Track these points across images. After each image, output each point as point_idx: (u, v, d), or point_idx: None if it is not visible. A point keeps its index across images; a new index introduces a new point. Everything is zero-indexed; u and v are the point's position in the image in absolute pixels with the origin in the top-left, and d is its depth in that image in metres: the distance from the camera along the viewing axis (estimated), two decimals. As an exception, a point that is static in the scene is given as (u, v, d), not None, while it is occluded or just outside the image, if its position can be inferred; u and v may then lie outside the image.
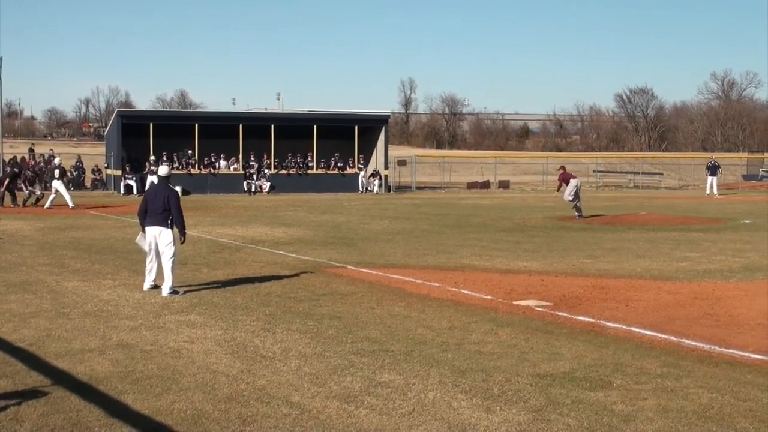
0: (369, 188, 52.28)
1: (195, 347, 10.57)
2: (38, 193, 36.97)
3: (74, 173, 50.31)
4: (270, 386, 8.79)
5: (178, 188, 15.14)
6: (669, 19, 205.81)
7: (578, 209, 30.73)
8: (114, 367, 9.57)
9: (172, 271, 14.41)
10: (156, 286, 14.64)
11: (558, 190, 32.38)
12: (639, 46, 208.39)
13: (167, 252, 14.43)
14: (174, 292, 14.32)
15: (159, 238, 14.48)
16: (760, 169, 74.61)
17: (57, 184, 35.76)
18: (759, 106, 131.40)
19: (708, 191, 51.09)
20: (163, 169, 15.33)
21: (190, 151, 49.87)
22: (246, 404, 8.16)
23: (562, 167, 34.19)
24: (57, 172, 36.09)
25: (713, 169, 52.00)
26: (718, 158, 58.71)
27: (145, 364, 9.72)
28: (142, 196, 15.25)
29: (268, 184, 50.16)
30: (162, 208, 14.42)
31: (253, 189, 49.55)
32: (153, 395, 8.45)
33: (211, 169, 50.15)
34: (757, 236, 24.43)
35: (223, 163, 51.02)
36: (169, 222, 14.49)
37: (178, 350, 10.42)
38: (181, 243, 14.82)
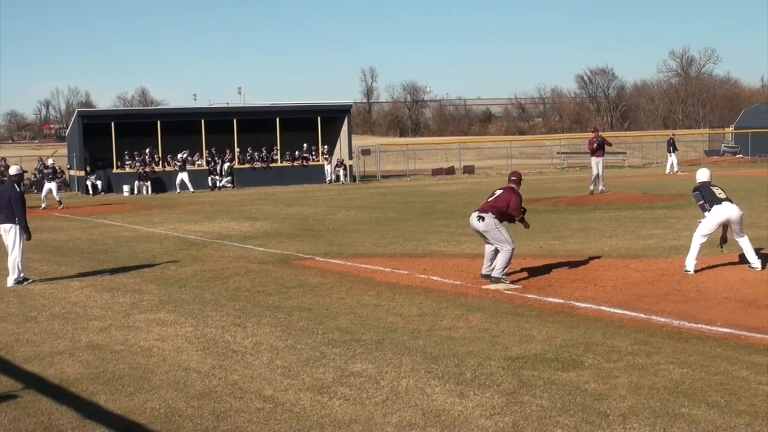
0: (338, 177, 52.03)
1: (166, 345, 10.52)
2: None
3: (38, 175, 49.91)
4: (242, 381, 8.76)
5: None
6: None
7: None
8: (85, 368, 9.50)
9: (21, 264, 15.72)
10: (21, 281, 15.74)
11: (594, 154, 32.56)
12: (598, 26, 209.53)
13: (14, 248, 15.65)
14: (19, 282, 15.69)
15: (7, 234, 15.71)
16: (722, 145, 75.21)
17: (53, 186, 37.89)
18: (718, 82, 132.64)
19: (669, 170, 50.27)
20: (14, 169, 16.52)
21: (148, 150, 49.40)
22: (219, 400, 8.13)
23: (595, 128, 35.09)
24: (50, 172, 39.40)
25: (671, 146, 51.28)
26: (677, 135, 58.42)
27: (116, 364, 9.66)
28: None
29: (224, 179, 49.93)
30: (6, 205, 15.58)
31: (217, 185, 49.34)
32: (125, 395, 8.40)
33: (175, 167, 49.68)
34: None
35: (189, 158, 50.58)
36: (16, 219, 15.57)
37: (149, 349, 10.36)
38: (27, 240, 15.89)
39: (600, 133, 33.28)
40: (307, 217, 27.92)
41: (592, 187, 31.93)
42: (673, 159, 50.56)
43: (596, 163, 31.84)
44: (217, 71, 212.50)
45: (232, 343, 10.47)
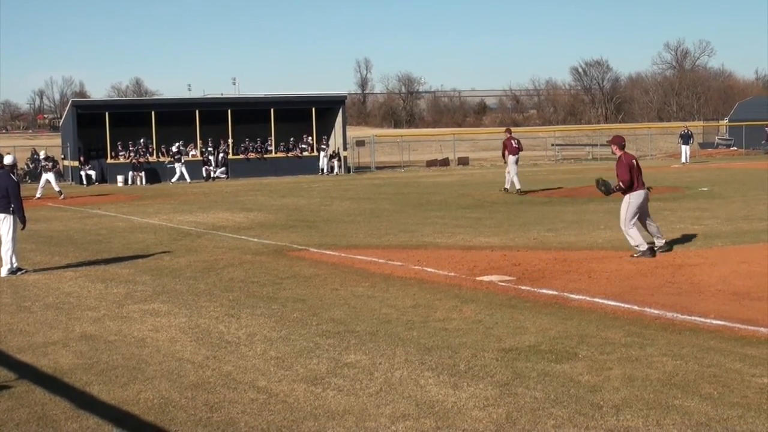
0: (332, 168, 51.89)
1: (159, 336, 10.52)
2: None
3: (30, 165, 49.88)
4: (236, 372, 8.76)
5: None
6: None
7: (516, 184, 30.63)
8: (78, 358, 9.49)
9: (14, 254, 15.79)
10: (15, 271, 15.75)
11: (504, 156, 31.16)
12: (593, 18, 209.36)
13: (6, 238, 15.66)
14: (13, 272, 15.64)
15: (2, 224, 15.64)
16: (716, 137, 75.21)
17: (50, 176, 37.85)
18: (712, 75, 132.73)
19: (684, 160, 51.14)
20: (8, 159, 16.41)
21: (142, 140, 49.26)
22: (213, 391, 8.12)
23: (508, 129, 34.21)
24: (49, 164, 39.34)
25: (686, 138, 52.03)
26: (674, 127, 58.81)
27: (110, 354, 9.65)
28: None
29: (219, 170, 49.82)
30: (1, 195, 15.52)
31: (212, 175, 49.24)
32: (119, 385, 8.39)
33: (172, 158, 49.49)
34: (715, 203, 24.65)
35: (183, 148, 50.42)
36: (11, 209, 15.55)
37: (143, 339, 10.36)
38: (22, 229, 15.89)
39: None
40: (302, 208, 27.89)
41: (508, 186, 30.92)
42: (686, 150, 51.56)
43: (514, 161, 30.72)
44: (211, 62, 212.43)
45: (225, 334, 10.46)
